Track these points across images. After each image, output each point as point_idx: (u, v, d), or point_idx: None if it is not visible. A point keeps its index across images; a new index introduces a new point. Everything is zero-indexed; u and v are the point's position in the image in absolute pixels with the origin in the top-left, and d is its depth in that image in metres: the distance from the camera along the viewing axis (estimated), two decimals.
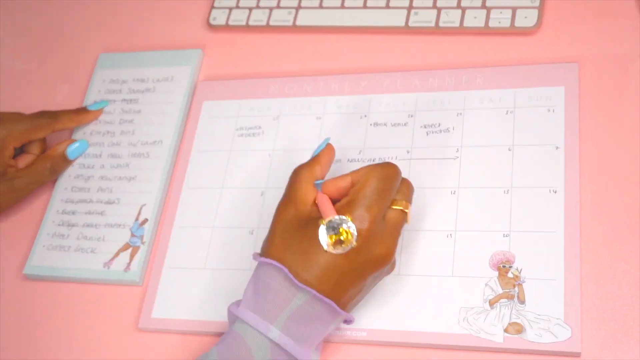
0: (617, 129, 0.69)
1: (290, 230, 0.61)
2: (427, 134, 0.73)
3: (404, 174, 0.71)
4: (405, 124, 0.74)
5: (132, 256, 0.74)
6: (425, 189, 0.70)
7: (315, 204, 0.62)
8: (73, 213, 0.79)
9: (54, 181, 0.81)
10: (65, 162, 0.80)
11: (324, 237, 0.59)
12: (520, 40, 0.76)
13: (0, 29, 0.97)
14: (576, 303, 0.62)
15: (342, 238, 0.58)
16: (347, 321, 0.63)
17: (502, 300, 0.64)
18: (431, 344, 0.64)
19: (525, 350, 0.62)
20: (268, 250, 0.61)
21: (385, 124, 0.75)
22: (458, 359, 0.63)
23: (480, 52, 0.76)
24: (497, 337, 0.62)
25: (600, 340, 0.61)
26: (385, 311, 0.65)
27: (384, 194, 0.60)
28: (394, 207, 0.61)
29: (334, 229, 0.59)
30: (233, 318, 0.61)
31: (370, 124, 0.75)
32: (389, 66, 0.78)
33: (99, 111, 0.83)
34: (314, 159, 0.64)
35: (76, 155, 0.81)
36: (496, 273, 0.65)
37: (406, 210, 0.62)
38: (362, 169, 0.62)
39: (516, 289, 0.64)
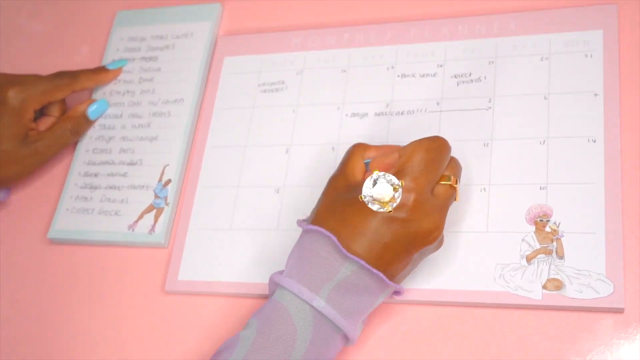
0: None
1: (339, 198, 0.59)
2: (458, 84, 0.70)
3: (435, 127, 0.68)
4: (434, 75, 0.71)
5: (156, 218, 0.73)
6: (457, 142, 0.67)
7: (364, 179, 0.59)
8: (95, 175, 0.77)
9: (75, 143, 0.80)
10: (86, 122, 0.79)
11: (367, 190, 0.56)
12: None
13: None
14: (618, 257, 0.59)
15: (386, 196, 0.56)
16: (397, 292, 0.60)
17: (539, 255, 0.61)
18: (467, 302, 0.61)
19: (566, 307, 0.59)
20: (316, 217, 0.59)
21: (413, 75, 0.72)
22: (495, 317, 0.61)
23: None
24: (536, 294, 0.60)
25: None
26: (418, 269, 0.63)
27: (431, 165, 0.58)
28: (442, 182, 0.59)
29: (378, 182, 0.57)
30: (274, 287, 0.59)
31: (398, 76, 0.72)
32: (415, 14, 0.75)
33: (119, 70, 0.81)
34: (374, 145, 0.63)
35: (97, 115, 0.79)
36: (533, 227, 0.62)
37: (455, 186, 0.59)
38: (410, 143, 0.60)
39: (554, 243, 0.61)
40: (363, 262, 0.56)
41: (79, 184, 0.77)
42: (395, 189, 0.56)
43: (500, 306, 0.61)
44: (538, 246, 0.62)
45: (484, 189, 0.65)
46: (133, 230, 0.73)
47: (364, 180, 0.59)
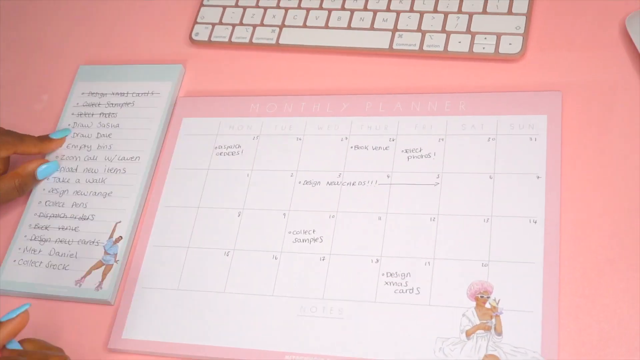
0: (599, 160, 0.68)
1: None
2: (408, 158, 0.72)
3: (384, 199, 0.70)
4: (386, 148, 0.73)
5: (104, 275, 0.73)
6: (405, 215, 0.69)
7: None
8: (46, 228, 0.77)
9: (28, 194, 0.80)
10: (34, 181, 0.79)
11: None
12: (504, 66, 0.75)
13: None
14: (554, 336, 0.61)
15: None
16: None
17: (479, 331, 0.63)
18: None
19: None
20: None
21: (366, 147, 0.74)
22: None
23: (463, 77, 0.76)
24: None
25: None
26: (360, 339, 0.64)
27: None
28: None
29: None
30: None
31: (351, 147, 0.74)
32: (371, 88, 0.78)
33: (62, 140, 0.81)
34: None
35: (45, 175, 0.79)
36: (474, 303, 0.64)
37: None
38: None
39: (493, 320, 0.63)
40: None
41: (29, 235, 0.77)
42: None
43: None
44: (477, 322, 0.63)
45: (428, 262, 0.66)
46: (80, 285, 0.73)
47: None
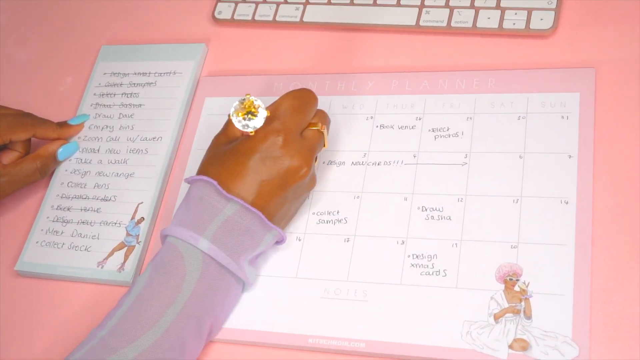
0: (633, 139, 0.66)
1: (219, 149, 0.66)
2: (435, 138, 0.70)
3: (410, 180, 0.69)
4: (412, 127, 0.71)
5: (126, 256, 0.72)
6: (431, 196, 0.67)
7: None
8: (68, 209, 0.77)
9: (50, 175, 0.79)
10: (55, 162, 0.78)
11: (234, 117, 0.65)
12: (535, 43, 0.73)
13: (5, 18, 0.95)
14: (585, 320, 0.59)
15: (248, 112, 0.64)
16: (279, 241, 0.66)
17: (507, 314, 0.61)
18: (432, 358, 0.61)
19: None
20: (199, 169, 0.66)
21: (392, 127, 0.72)
22: None
23: (492, 54, 0.74)
24: (502, 354, 0.60)
25: None
26: (385, 322, 0.63)
27: (298, 110, 0.66)
28: (311, 127, 0.67)
29: (241, 103, 0.65)
30: (164, 239, 0.64)
31: (377, 126, 0.73)
32: (397, 66, 0.76)
33: (81, 125, 0.81)
34: None
35: (66, 156, 0.79)
36: (502, 286, 0.62)
37: (322, 131, 0.67)
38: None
39: (523, 303, 0.61)
40: (242, 202, 0.62)
41: (51, 217, 0.77)
42: (255, 106, 0.64)
43: None
44: (506, 305, 0.61)
45: (456, 244, 0.65)
46: (102, 267, 0.72)
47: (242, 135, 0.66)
